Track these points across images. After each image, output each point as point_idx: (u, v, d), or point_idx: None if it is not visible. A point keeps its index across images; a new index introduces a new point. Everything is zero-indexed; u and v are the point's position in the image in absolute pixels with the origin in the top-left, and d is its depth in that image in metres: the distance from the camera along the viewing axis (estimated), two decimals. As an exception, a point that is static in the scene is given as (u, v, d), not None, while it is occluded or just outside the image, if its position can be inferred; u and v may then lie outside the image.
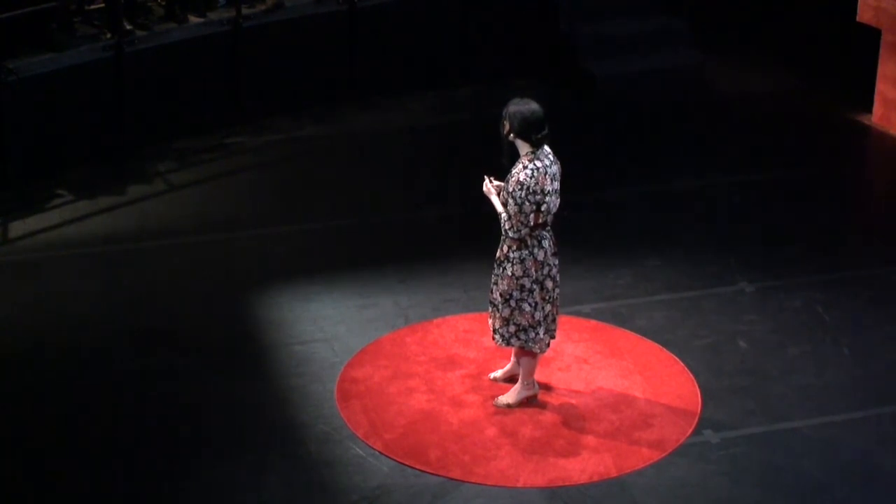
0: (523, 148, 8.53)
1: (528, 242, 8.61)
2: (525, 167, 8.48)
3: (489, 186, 8.70)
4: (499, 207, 8.64)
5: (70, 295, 10.31)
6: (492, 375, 9.25)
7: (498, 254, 8.74)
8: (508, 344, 8.83)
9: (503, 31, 14.32)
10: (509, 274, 8.66)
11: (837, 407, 9.06)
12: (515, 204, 8.47)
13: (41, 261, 10.85)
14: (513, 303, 8.71)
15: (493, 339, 8.88)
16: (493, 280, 8.81)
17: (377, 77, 13.84)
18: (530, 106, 8.50)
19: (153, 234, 11.24)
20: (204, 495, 8.26)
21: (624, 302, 10.24)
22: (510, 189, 8.48)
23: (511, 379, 9.13)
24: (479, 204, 9.40)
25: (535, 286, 8.67)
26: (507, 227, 8.56)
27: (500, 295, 8.73)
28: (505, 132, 8.54)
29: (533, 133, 8.47)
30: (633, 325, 9.93)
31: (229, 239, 11.21)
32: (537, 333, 8.76)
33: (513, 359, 9.13)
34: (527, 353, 8.89)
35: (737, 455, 8.58)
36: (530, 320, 8.73)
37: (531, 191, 8.44)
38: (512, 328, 8.77)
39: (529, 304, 8.70)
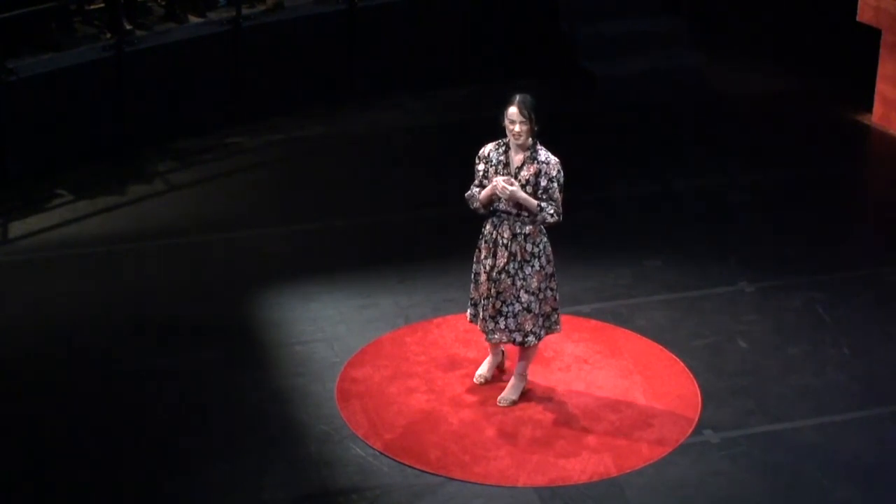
0: (530, 135, 8.57)
1: (542, 230, 8.65)
2: (547, 151, 8.59)
3: (515, 183, 8.50)
4: (533, 201, 8.54)
5: (70, 295, 10.31)
6: (479, 379, 9.18)
7: (504, 262, 8.64)
8: (540, 338, 8.85)
9: (503, 31, 14.31)
10: (538, 268, 8.67)
11: (837, 407, 9.06)
12: (559, 186, 8.54)
13: (41, 261, 10.85)
14: (541, 295, 8.74)
15: (526, 342, 8.76)
16: (502, 288, 8.66)
17: (377, 77, 13.83)
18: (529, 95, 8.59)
19: (153, 234, 11.24)
20: (204, 495, 8.26)
21: (624, 302, 10.24)
22: (553, 174, 8.51)
23: (500, 368, 9.17)
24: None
25: (554, 269, 8.75)
26: (554, 213, 8.52)
27: (532, 294, 8.67)
28: (535, 129, 8.51)
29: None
30: (633, 325, 9.93)
31: (229, 239, 11.21)
32: (559, 315, 8.89)
33: (497, 350, 9.14)
34: (530, 350, 8.89)
35: (737, 455, 8.58)
36: (553, 304, 8.84)
37: (562, 171, 8.61)
38: (541, 321, 8.79)
39: (552, 289, 8.79)
